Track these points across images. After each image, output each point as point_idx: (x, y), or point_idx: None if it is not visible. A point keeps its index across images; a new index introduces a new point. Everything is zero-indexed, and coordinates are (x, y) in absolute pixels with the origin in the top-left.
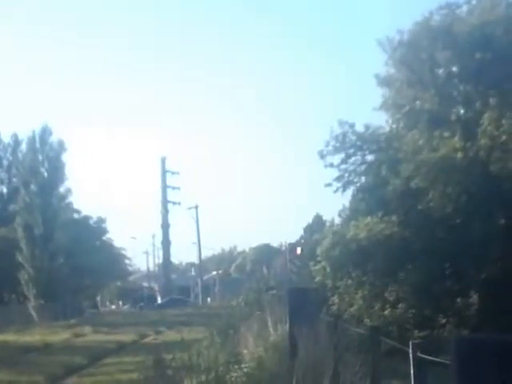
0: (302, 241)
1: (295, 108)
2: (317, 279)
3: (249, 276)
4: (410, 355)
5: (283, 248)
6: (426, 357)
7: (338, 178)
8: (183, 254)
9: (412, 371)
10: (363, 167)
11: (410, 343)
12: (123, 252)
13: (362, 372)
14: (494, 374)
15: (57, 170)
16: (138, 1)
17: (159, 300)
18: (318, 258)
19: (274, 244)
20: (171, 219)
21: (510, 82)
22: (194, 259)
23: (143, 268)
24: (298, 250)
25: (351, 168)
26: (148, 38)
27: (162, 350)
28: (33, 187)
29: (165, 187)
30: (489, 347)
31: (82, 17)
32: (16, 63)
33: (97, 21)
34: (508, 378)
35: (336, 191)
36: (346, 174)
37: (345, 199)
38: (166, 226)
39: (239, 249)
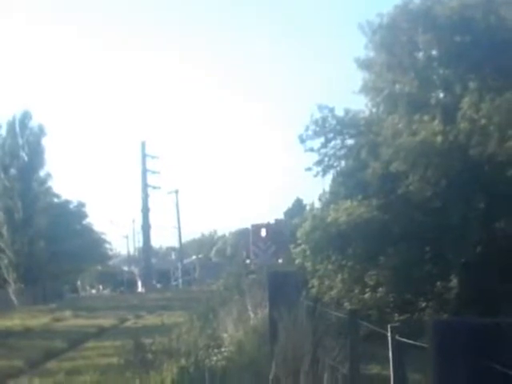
0: (270, 221)
1: (276, 91)
2: (296, 262)
3: (229, 260)
4: (389, 338)
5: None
6: (404, 340)
7: (317, 163)
8: (163, 238)
9: (390, 354)
10: (343, 151)
11: (389, 326)
12: (103, 236)
13: (341, 356)
14: (470, 357)
15: (37, 155)
16: None
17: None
18: (298, 241)
19: None
20: (151, 203)
21: (489, 65)
22: (175, 243)
23: (123, 252)
24: (263, 232)
25: (331, 152)
26: (126, 18)
27: (141, 334)
28: (13, 171)
29: (145, 171)
30: (465, 330)
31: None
32: None
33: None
34: (483, 360)
35: (316, 175)
36: (326, 158)
37: (325, 183)
38: (145, 211)
39: (219, 233)
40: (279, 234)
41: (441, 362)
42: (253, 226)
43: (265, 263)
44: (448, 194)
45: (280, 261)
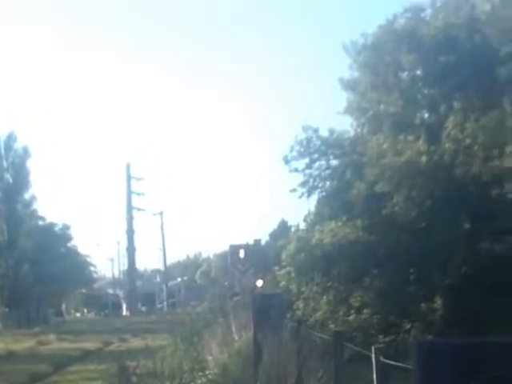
0: (249, 242)
1: (260, 111)
2: (281, 284)
3: (213, 282)
4: (373, 360)
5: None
6: (388, 361)
7: (302, 184)
8: (148, 260)
9: (375, 376)
10: (328, 172)
11: (373, 348)
12: (88, 259)
13: (326, 377)
14: (455, 377)
15: (21, 177)
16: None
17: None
18: (283, 263)
19: None
20: (136, 225)
21: (474, 85)
22: (160, 266)
23: (108, 275)
24: (242, 253)
25: (316, 173)
26: (111, 40)
27: (126, 358)
28: None
29: (129, 193)
30: (449, 351)
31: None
32: None
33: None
34: (468, 380)
35: (301, 196)
36: (311, 179)
37: (310, 204)
38: (130, 233)
39: (204, 255)
40: (258, 255)
41: (426, 383)
42: (231, 246)
43: (244, 285)
44: (433, 214)
45: (259, 283)
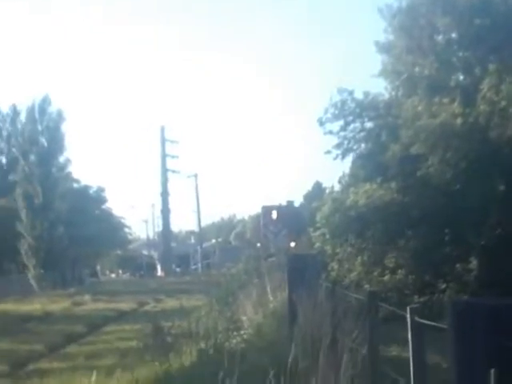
0: (282, 204)
1: (296, 74)
2: (316, 245)
3: (248, 244)
4: (408, 320)
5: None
6: (423, 321)
7: (337, 145)
8: (183, 222)
9: (410, 336)
10: (362, 134)
11: (408, 308)
12: (123, 221)
13: (361, 337)
14: (490, 338)
15: (56, 140)
16: None
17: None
18: (318, 225)
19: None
20: (171, 188)
21: (509, 47)
22: (194, 227)
23: (143, 236)
24: (274, 214)
25: (350, 135)
26: (148, 7)
27: (160, 318)
28: (32, 157)
29: (164, 156)
30: (484, 311)
31: None
32: (14, 34)
33: None
34: (503, 341)
35: (336, 158)
36: (346, 141)
37: (345, 166)
38: (165, 195)
39: (238, 217)
40: (291, 216)
41: (460, 343)
42: (263, 207)
43: (277, 246)
44: (468, 176)
45: (292, 244)
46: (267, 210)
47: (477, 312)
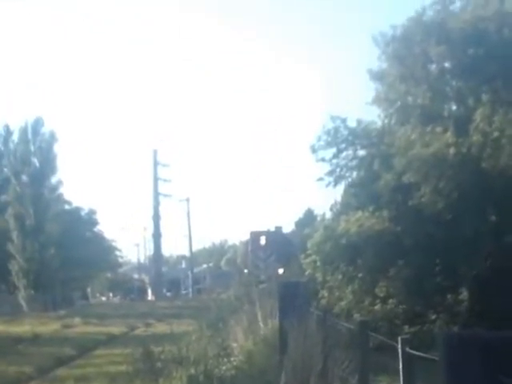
0: (270, 229)
1: (288, 101)
2: (307, 272)
3: (239, 269)
4: (399, 350)
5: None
6: (414, 352)
7: (329, 173)
8: (174, 246)
9: (401, 366)
10: (355, 162)
11: (399, 338)
12: (114, 244)
13: (351, 367)
14: (480, 370)
15: (48, 161)
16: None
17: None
18: (309, 252)
19: None
20: (162, 211)
21: (502, 78)
22: (185, 252)
23: (134, 260)
24: (263, 240)
25: (343, 162)
26: (141, 30)
27: (151, 342)
28: (24, 178)
29: (156, 179)
30: (476, 344)
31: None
32: (7, 54)
33: (91, 9)
34: (494, 374)
35: (328, 185)
36: (338, 169)
37: (337, 194)
38: (156, 219)
39: (230, 242)
40: (280, 242)
41: (451, 375)
42: (252, 233)
43: (264, 272)
44: (460, 207)
45: (281, 271)
46: (256, 236)
47: (469, 345)
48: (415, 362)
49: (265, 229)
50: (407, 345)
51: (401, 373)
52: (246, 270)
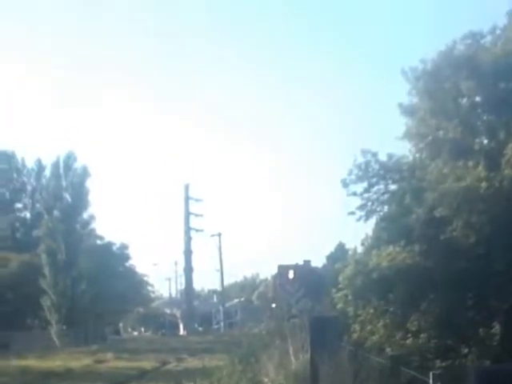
0: (299, 263)
1: (320, 136)
2: (338, 306)
3: (270, 304)
4: None
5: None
6: None
7: (360, 207)
8: (205, 280)
9: None
10: (386, 196)
11: (431, 373)
12: (146, 278)
13: None
14: None
15: (80, 196)
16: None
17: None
18: (340, 286)
19: None
20: (194, 246)
21: None
22: (217, 286)
23: (165, 294)
24: (291, 274)
25: (374, 197)
26: (175, 64)
27: (183, 377)
28: (56, 213)
29: (188, 214)
30: (506, 378)
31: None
32: (43, 89)
33: (121, 45)
34: None
35: (359, 220)
36: (369, 203)
37: (368, 228)
38: (188, 253)
39: (261, 276)
40: (308, 275)
41: None
42: (280, 267)
43: (291, 306)
44: (492, 241)
45: (310, 305)
46: (283, 270)
47: (500, 379)
48: None
49: (294, 263)
50: (439, 380)
51: None
52: (273, 305)
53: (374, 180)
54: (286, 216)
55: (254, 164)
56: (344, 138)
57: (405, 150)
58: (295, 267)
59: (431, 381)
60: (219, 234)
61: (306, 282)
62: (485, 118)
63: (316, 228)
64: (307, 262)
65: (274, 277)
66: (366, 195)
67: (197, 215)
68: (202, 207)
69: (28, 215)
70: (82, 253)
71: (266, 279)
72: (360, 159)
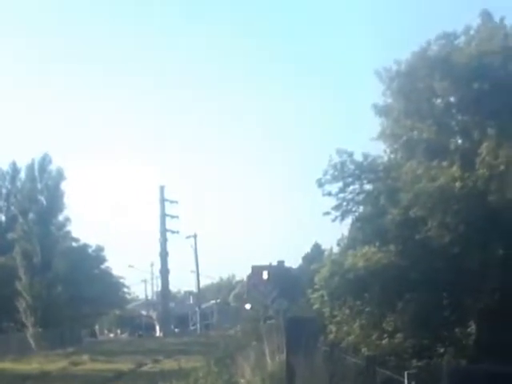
0: (272, 264)
1: (294, 136)
2: (314, 307)
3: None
4: None
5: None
6: None
7: (336, 207)
8: (182, 282)
9: None
10: (361, 196)
11: (406, 373)
12: (122, 280)
13: None
14: None
15: (56, 199)
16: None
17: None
18: (316, 286)
19: None
20: (170, 248)
21: (507, 112)
22: (193, 288)
23: (141, 296)
24: (265, 275)
25: (350, 197)
26: (147, 62)
27: (159, 379)
28: (31, 216)
29: (163, 216)
30: (482, 378)
31: (83, 39)
32: (15, 91)
33: (97, 44)
34: None
35: (334, 220)
36: (345, 203)
37: (344, 228)
38: (164, 255)
39: (237, 278)
40: (283, 276)
41: None
42: (253, 267)
43: (268, 307)
44: (466, 240)
45: (285, 306)
46: (257, 270)
47: (473, 378)
48: None
49: (267, 263)
50: (413, 379)
51: None
52: (247, 306)
53: (350, 180)
54: (262, 217)
55: (229, 164)
56: (319, 137)
57: (380, 151)
58: (269, 268)
59: (406, 380)
60: (195, 236)
61: (280, 283)
62: (459, 118)
63: (292, 229)
64: (281, 263)
65: (248, 278)
66: (341, 195)
67: (172, 217)
68: (177, 209)
69: (3, 218)
70: (57, 255)
71: (242, 280)
72: (335, 159)
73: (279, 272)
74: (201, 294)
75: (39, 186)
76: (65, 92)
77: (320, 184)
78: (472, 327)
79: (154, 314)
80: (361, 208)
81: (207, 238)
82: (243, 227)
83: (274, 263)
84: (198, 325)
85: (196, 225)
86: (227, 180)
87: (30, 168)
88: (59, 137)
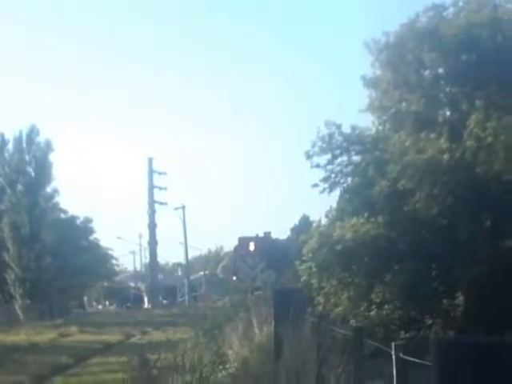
0: (259, 235)
1: (282, 108)
2: (302, 279)
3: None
4: (393, 356)
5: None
6: (408, 358)
7: (324, 179)
8: (170, 254)
9: (395, 372)
10: (350, 168)
11: (393, 344)
12: (110, 252)
13: (346, 373)
14: (473, 376)
15: (44, 170)
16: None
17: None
18: (304, 258)
19: None
20: (158, 219)
21: (495, 83)
22: (181, 259)
23: (130, 268)
24: (252, 246)
25: (338, 169)
26: (136, 37)
27: (147, 350)
28: (19, 187)
29: (151, 187)
30: (467, 349)
31: (73, 15)
32: (1, 63)
33: (89, 17)
34: (485, 379)
35: (323, 192)
36: (333, 175)
37: (332, 200)
38: (152, 227)
39: (226, 249)
40: (269, 248)
41: (444, 380)
42: (240, 239)
43: (252, 280)
44: (454, 212)
45: (273, 277)
46: (244, 242)
47: (460, 349)
48: (410, 368)
49: (254, 234)
50: (401, 350)
51: (395, 378)
52: (234, 278)
53: (338, 152)
54: (251, 189)
55: (217, 136)
56: (308, 110)
57: (368, 123)
58: (256, 239)
59: (393, 352)
60: (183, 207)
61: (267, 255)
62: (447, 89)
63: (280, 201)
64: (267, 234)
65: (235, 249)
66: (329, 167)
67: (161, 188)
68: (165, 180)
69: None
70: (45, 227)
71: (230, 252)
72: (323, 131)
73: (266, 243)
74: (189, 266)
75: (27, 157)
76: (52, 63)
77: (308, 156)
78: (460, 298)
79: (142, 286)
80: (349, 180)
81: (195, 210)
82: (232, 199)
83: (262, 235)
84: (187, 296)
85: (184, 196)
86: (215, 152)
87: (18, 140)
88: (47, 108)
